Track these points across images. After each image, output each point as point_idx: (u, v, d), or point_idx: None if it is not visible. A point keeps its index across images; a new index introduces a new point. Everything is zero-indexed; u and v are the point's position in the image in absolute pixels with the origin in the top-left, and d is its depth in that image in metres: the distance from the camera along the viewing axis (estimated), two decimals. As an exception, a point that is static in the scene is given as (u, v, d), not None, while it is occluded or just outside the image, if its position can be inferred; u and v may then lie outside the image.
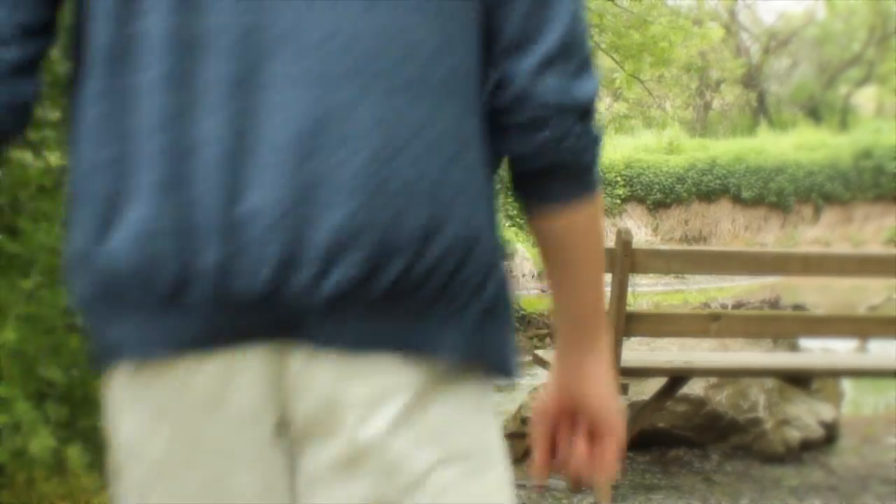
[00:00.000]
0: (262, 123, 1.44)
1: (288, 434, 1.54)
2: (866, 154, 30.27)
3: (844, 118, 39.53)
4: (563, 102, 1.55)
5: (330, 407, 1.50)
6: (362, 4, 1.46)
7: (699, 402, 6.36)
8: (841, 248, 26.97)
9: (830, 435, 6.72)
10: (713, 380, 6.35)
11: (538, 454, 1.76)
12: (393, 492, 1.51)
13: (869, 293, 15.20)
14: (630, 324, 5.42)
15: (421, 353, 1.51)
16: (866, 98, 43.37)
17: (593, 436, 1.71)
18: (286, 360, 1.49)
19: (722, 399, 6.38)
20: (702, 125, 38.82)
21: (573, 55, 1.56)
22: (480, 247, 1.53)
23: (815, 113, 40.30)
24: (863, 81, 42.56)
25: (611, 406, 1.71)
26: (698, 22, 34.41)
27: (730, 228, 29.67)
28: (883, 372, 6.17)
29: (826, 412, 6.79)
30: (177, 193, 1.44)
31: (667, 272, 5.54)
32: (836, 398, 7.29)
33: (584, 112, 1.57)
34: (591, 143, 1.60)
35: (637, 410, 5.87)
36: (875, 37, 40.63)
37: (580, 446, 1.71)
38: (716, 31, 35.51)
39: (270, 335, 1.48)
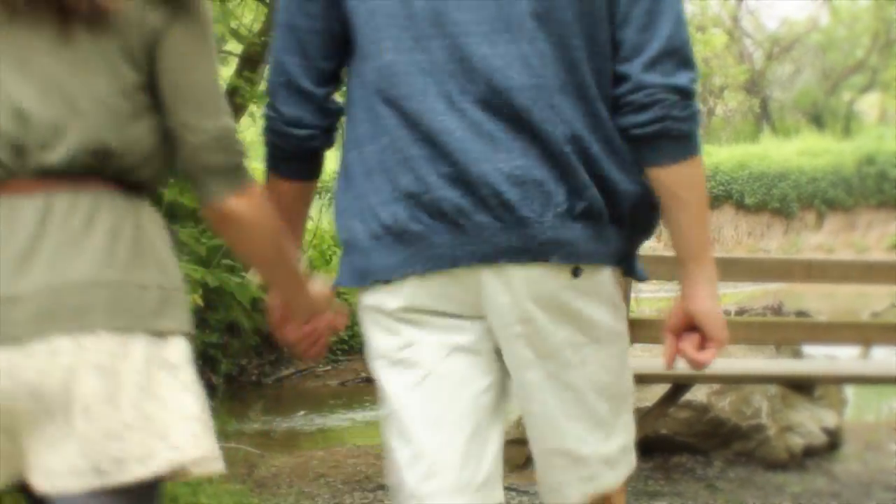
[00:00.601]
0: None
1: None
2: (869, 160, 30.29)
3: (848, 125, 39.52)
4: (665, 87, 2.27)
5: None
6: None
7: (702, 409, 6.36)
8: (844, 254, 26.97)
9: (833, 441, 6.71)
10: (716, 386, 6.35)
11: (668, 349, 2.51)
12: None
13: (872, 300, 15.18)
14: (633, 330, 5.36)
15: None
16: (869, 105, 43.36)
17: (703, 340, 2.45)
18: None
19: (725, 406, 6.38)
20: (705, 131, 38.82)
21: (670, 57, 2.29)
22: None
23: (818, 119, 40.30)
24: (866, 88, 42.56)
25: (714, 320, 2.43)
26: (701, 28, 34.47)
27: (733, 234, 29.69)
28: (886, 379, 6.16)
29: (829, 419, 6.78)
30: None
31: (670, 279, 5.50)
32: (839, 405, 7.29)
33: (683, 94, 2.29)
34: (690, 116, 2.31)
35: (640, 417, 5.86)
36: (878, 43, 40.63)
37: (691, 343, 2.46)
38: (719, 38, 35.67)
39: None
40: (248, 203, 2.20)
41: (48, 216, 2.01)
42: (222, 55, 14.94)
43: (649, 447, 6.24)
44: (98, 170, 2.06)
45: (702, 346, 2.44)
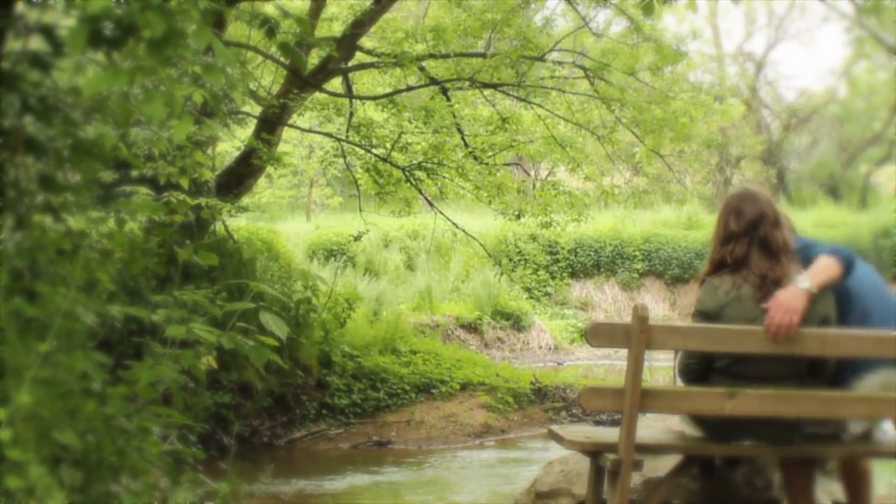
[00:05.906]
0: None
1: None
2: (885, 233, 30.29)
3: (864, 197, 39.56)
4: None
5: None
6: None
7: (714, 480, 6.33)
8: (859, 326, 26.88)
9: (845, 515, 6.67)
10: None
11: None
12: None
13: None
14: (646, 400, 5.41)
15: None
16: (886, 177, 43.40)
17: None
18: None
19: (737, 477, 6.36)
20: (721, 201, 38.82)
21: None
22: None
23: (834, 191, 40.32)
24: (883, 160, 42.60)
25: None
26: (719, 98, 34.55)
27: (748, 304, 29.57)
28: (899, 453, 6.15)
29: (841, 491, 6.75)
30: None
31: (683, 349, 5.56)
32: (852, 478, 7.24)
33: None
34: None
35: (652, 487, 5.85)
36: (896, 116, 40.71)
37: None
38: (737, 108, 35.72)
39: None
40: None
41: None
42: (240, 116, 15.07)
43: (660, 518, 6.21)
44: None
45: None
